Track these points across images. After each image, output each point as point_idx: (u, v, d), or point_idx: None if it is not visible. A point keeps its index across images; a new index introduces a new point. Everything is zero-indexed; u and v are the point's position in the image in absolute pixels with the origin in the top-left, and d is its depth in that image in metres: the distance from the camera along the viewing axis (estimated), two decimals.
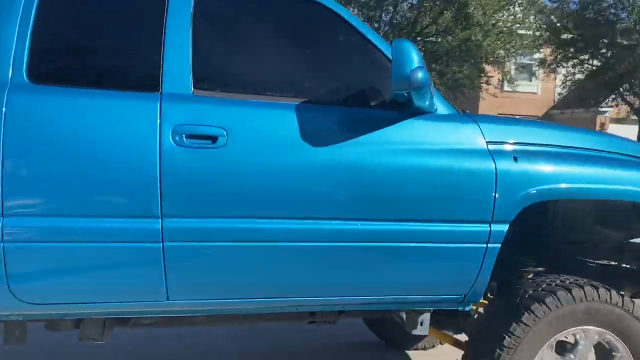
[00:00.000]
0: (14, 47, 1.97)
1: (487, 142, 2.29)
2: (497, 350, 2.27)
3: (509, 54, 14.89)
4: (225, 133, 2.06)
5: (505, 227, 2.28)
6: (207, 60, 2.16)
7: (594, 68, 16.82)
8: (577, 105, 19.81)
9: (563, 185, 2.31)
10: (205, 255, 2.06)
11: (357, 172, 2.14)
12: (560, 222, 2.77)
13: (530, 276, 2.75)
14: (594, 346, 2.44)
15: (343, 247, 2.15)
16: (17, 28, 1.98)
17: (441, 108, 2.30)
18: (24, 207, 1.91)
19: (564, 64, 17.00)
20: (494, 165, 2.25)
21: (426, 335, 3.32)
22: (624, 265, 2.96)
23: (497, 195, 2.24)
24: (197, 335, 3.94)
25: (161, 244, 2.02)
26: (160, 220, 2.01)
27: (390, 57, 2.19)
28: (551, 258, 2.86)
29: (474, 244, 2.26)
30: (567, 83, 17.13)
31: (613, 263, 2.97)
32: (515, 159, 2.28)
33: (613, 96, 17.83)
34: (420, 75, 1.95)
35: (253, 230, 2.09)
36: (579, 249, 2.96)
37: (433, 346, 4.08)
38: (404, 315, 2.73)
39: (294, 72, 2.28)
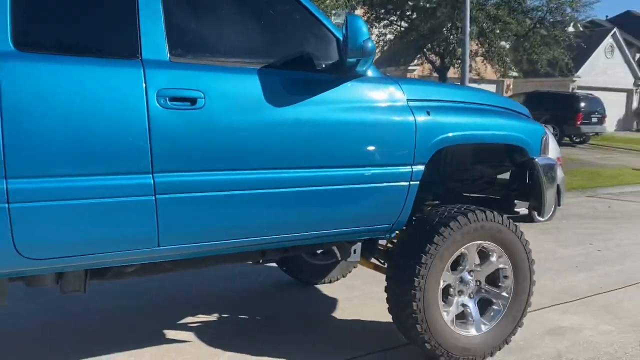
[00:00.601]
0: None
1: (407, 99, 2.85)
2: (417, 266, 2.88)
3: (326, 13, 15.65)
4: (203, 95, 2.35)
5: (422, 168, 2.88)
6: (179, 28, 2.39)
7: (402, 29, 18.54)
8: (389, 64, 21.70)
9: (461, 133, 2.97)
10: (191, 205, 2.36)
11: (310, 127, 2.57)
12: (452, 164, 3.47)
13: (428, 209, 3.41)
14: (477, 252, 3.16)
15: (302, 191, 2.58)
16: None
17: (370, 71, 2.79)
18: (28, 169, 2.03)
19: (376, 25, 18.33)
20: (413, 118, 2.82)
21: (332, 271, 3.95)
22: (492, 196, 3.78)
23: (416, 142, 2.83)
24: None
25: (153, 197, 2.28)
26: (151, 175, 2.26)
27: (332, 30, 2.63)
28: (443, 194, 3.56)
29: (400, 182, 2.83)
30: (379, 43, 18.50)
31: (484, 196, 3.78)
32: (429, 113, 2.88)
33: (418, 55, 19.91)
34: (370, 44, 2.42)
35: (230, 181, 2.42)
36: (463, 186, 3.71)
37: (337, 279, 4.69)
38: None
39: (257, 42, 2.61)
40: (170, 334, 3.46)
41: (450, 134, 2.93)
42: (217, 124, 2.38)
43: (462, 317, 3.14)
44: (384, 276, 3.14)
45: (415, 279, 2.86)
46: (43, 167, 2.08)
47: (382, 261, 3.40)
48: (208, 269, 3.67)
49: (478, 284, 3.16)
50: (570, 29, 25.25)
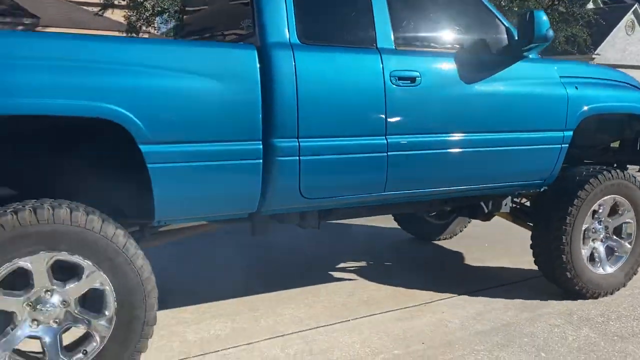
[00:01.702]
0: (286, 18, 2.73)
1: (559, 76, 3.49)
2: (566, 216, 3.53)
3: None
4: (419, 75, 3.02)
5: (571, 133, 3.53)
6: (399, 23, 3.06)
7: None
8: None
9: (601, 105, 3.59)
10: (409, 160, 3.05)
11: (492, 98, 3.24)
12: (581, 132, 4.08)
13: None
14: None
15: (486, 151, 3.26)
16: (284, 4, 2.74)
17: (531, 54, 3.43)
18: (310, 131, 2.74)
19: None
20: (565, 92, 3.47)
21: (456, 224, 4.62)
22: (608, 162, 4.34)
23: (568, 112, 3.47)
24: None
25: (386, 153, 2.98)
26: (385, 137, 2.96)
27: (503, 22, 3.29)
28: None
29: (555, 144, 3.49)
30: None
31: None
32: (577, 88, 3.51)
33: None
34: (551, 33, 3.07)
35: (436, 142, 3.11)
36: (583, 152, 4.30)
37: (454, 235, 5.37)
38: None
39: (454, 32, 3.27)
40: (338, 275, 4.16)
41: (593, 105, 3.57)
42: (429, 97, 3.06)
43: (592, 258, 3.78)
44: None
45: (564, 227, 3.51)
46: (317, 129, 2.78)
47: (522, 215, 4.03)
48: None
49: (607, 232, 3.80)
50: (590, 5, 25.08)
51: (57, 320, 2.29)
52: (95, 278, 2.30)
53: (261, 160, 2.65)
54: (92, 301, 2.35)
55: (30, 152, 2.54)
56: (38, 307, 2.24)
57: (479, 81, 3.20)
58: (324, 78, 2.77)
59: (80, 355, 2.31)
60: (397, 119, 2.97)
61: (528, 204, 4.15)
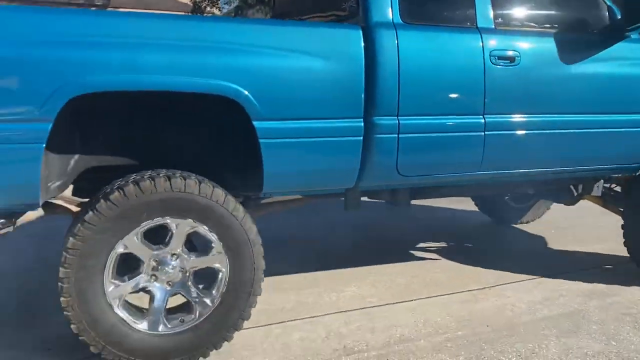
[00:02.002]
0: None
1: None
2: None
3: None
4: (519, 55, 3.00)
5: None
6: (500, 5, 3.05)
7: None
8: None
9: None
10: (507, 139, 3.05)
11: (594, 80, 3.17)
12: None
13: None
14: None
15: (586, 133, 3.21)
16: None
17: (632, 34, 3.32)
18: (409, 110, 2.79)
19: None
20: None
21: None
22: None
23: None
24: None
25: (483, 133, 2.99)
26: (483, 116, 2.97)
27: (606, 1, 3.20)
28: None
29: None
30: None
31: None
32: None
33: None
34: None
35: (532, 123, 3.09)
36: None
37: (532, 221, 5.30)
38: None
39: (553, 12, 3.25)
40: (403, 256, 4.21)
41: None
42: (528, 77, 3.03)
43: None
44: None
45: None
46: (417, 108, 2.82)
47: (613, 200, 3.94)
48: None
49: None
50: None
51: (170, 282, 2.49)
52: (217, 259, 2.50)
53: (362, 138, 2.73)
54: (205, 278, 2.55)
55: (150, 126, 2.72)
56: (161, 266, 2.45)
57: (579, 61, 3.15)
58: (425, 57, 2.81)
59: (177, 321, 2.49)
60: (495, 98, 2.97)
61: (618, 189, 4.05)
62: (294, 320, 3.04)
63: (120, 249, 2.35)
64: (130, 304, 2.50)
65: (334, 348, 2.74)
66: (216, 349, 2.54)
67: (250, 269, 2.55)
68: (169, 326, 2.47)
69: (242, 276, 2.53)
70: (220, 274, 2.54)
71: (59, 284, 2.28)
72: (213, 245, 2.51)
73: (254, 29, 2.59)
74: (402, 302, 3.31)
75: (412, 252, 4.29)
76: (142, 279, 2.44)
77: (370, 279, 3.67)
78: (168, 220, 2.41)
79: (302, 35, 2.64)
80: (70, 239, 2.27)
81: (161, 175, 2.37)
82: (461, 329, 2.96)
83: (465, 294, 3.45)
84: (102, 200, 2.28)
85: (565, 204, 4.21)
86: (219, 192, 2.46)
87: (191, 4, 14.03)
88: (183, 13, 15.30)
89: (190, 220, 2.43)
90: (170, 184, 2.35)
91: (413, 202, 3.70)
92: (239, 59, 2.44)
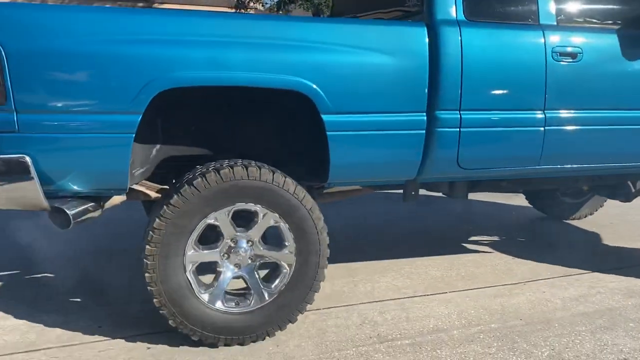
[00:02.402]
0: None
1: None
2: None
3: None
4: (581, 51, 3.04)
5: None
6: (561, 2, 3.09)
7: None
8: None
9: None
10: (567, 135, 3.09)
11: None
12: None
13: None
14: None
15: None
16: None
17: None
18: (471, 105, 2.88)
19: None
20: None
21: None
22: None
23: None
24: None
25: (543, 128, 3.04)
26: (544, 112, 3.03)
27: None
28: None
29: None
30: None
31: None
32: None
33: None
34: None
35: (592, 119, 3.12)
36: None
37: (586, 216, 5.28)
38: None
39: (614, 8, 3.25)
40: (438, 249, 4.30)
41: None
42: (589, 73, 3.07)
43: None
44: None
45: None
46: (478, 103, 2.91)
47: None
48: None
49: None
50: None
51: (238, 265, 2.70)
52: (287, 258, 2.71)
53: (424, 131, 2.84)
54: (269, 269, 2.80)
55: (226, 119, 2.91)
56: (236, 248, 2.67)
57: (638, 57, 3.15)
58: (488, 54, 2.89)
59: (233, 303, 2.69)
60: (556, 94, 3.02)
61: None
62: (330, 308, 3.15)
63: (211, 220, 2.56)
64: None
65: (368, 335, 2.85)
66: (263, 339, 2.73)
67: (314, 269, 2.74)
68: (226, 305, 2.67)
69: (305, 275, 2.72)
70: (285, 270, 2.73)
71: (145, 260, 2.49)
72: (287, 244, 2.70)
73: (324, 28, 2.73)
74: (436, 294, 3.40)
75: (448, 245, 4.36)
76: (216, 254, 2.65)
77: (406, 271, 3.77)
78: (258, 208, 2.61)
79: (370, 32, 2.75)
80: (166, 208, 2.49)
81: (260, 165, 2.61)
82: (494, 321, 3.02)
83: (500, 288, 3.51)
84: (204, 176, 2.52)
85: (621, 201, 4.19)
86: (309, 199, 2.68)
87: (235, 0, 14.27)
88: (227, 8, 15.59)
89: (277, 214, 2.63)
90: (273, 177, 2.60)
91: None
92: (310, 56, 2.58)
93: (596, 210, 5.29)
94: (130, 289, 3.35)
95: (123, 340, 2.74)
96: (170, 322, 2.59)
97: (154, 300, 2.55)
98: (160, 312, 2.58)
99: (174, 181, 2.76)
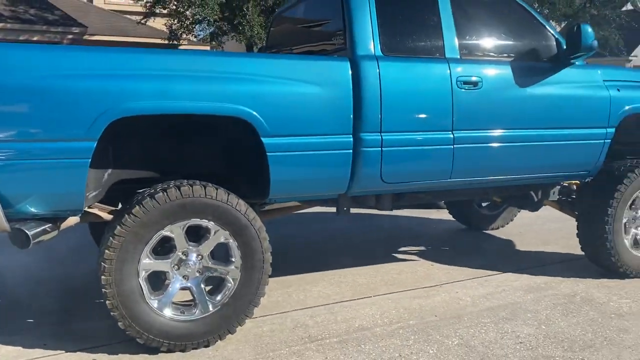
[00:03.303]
0: (371, 35, 3.33)
1: (603, 80, 3.98)
2: (608, 208, 4.00)
3: None
4: (481, 80, 3.57)
5: (613, 130, 4.01)
6: (464, 37, 3.62)
7: None
8: None
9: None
10: (472, 151, 3.59)
11: (543, 100, 3.75)
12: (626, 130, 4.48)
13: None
14: None
15: (539, 145, 3.76)
16: (370, 24, 3.34)
17: (577, 61, 3.93)
18: (390, 127, 3.32)
19: None
20: (608, 93, 3.96)
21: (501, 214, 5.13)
22: None
23: (610, 111, 3.96)
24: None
25: (452, 146, 3.53)
26: (452, 132, 3.52)
27: (554, 33, 3.80)
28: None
29: (599, 140, 3.97)
30: None
31: None
32: (619, 90, 4.00)
33: None
34: (595, 43, 3.58)
35: (493, 137, 3.64)
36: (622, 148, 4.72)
37: (502, 227, 5.88)
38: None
39: (510, 43, 3.81)
40: (364, 260, 4.72)
41: (633, 105, 4.04)
42: (489, 98, 3.60)
43: (636, 243, 4.24)
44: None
45: (607, 217, 4.00)
46: (396, 125, 3.35)
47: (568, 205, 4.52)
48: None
49: None
50: (628, 7, 24.64)
51: (186, 277, 2.99)
52: (233, 273, 3.01)
53: (351, 150, 3.24)
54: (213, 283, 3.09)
55: (168, 145, 3.20)
56: (186, 260, 2.96)
57: (532, 85, 3.73)
58: (402, 83, 3.35)
59: (178, 312, 2.95)
60: (462, 117, 3.52)
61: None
62: (265, 316, 3.44)
63: (167, 232, 2.85)
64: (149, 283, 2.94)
65: (300, 337, 3.17)
66: (205, 346, 2.99)
67: (256, 284, 3.05)
68: (173, 313, 2.94)
69: (248, 290, 3.03)
70: (229, 285, 3.03)
71: (102, 264, 2.74)
72: (233, 260, 3.02)
73: (262, 62, 3.11)
74: (362, 298, 3.77)
75: (374, 256, 4.75)
76: (168, 264, 2.93)
77: (335, 280, 4.14)
78: (211, 225, 2.91)
79: (301, 66, 3.16)
80: (127, 217, 2.75)
81: (204, 185, 2.91)
82: (413, 319, 3.42)
83: (418, 290, 3.93)
84: (161, 193, 2.81)
85: (529, 210, 4.76)
86: (257, 220, 3.01)
87: (167, 31, 14.48)
88: (160, 40, 15.78)
89: (227, 232, 2.95)
90: (205, 192, 2.88)
91: (380, 213, 4.18)
92: (250, 86, 2.94)
93: (511, 220, 5.89)
94: (73, 309, 3.54)
95: (67, 353, 2.94)
96: (119, 324, 2.82)
97: (107, 302, 2.78)
98: (112, 313, 2.81)
99: (120, 205, 2.99)
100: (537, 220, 6.09)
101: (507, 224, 5.90)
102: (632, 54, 26.98)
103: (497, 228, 5.87)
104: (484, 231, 5.82)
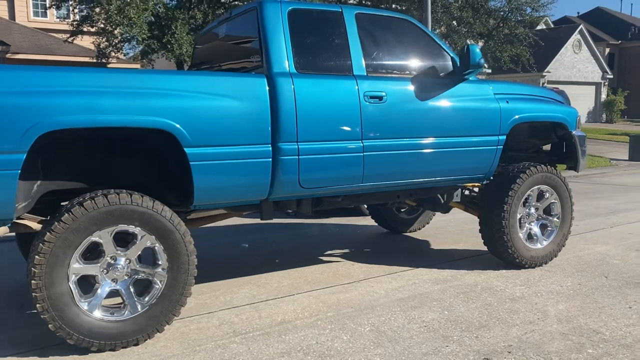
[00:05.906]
0: (286, 54, 3.69)
1: (494, 93, 4.53)
2: (504, 205, 4.52)
3: None
4: (385, 94, 4.00)
5: (504, 137, 4.55)
6: (369, 57, 4.05)
7: None
8: None
9: (527, 114, 4.64)
10: (380, 158, 4.00)
11: (441, 111, 4.23)
12: (514, 137, 5.09)
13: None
14: None
15: (439, 151, 4.23)
16: (284, 45, 3.70)
17: (471, 77, 4.46)
18: (305, 136, 3.66)
19: None
20: (498, 105, 4.50)
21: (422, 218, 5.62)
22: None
23: (501, 120, 4.50)
24: None
25: (362, 154, 3.93)
26: (361, 141, 3.91)
27: (449, 52, 4.31)
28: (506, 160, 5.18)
29: (492, 146, 4.50)
30: None
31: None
32: (507, 102, 4.56)
33: None
34: (482, 61, 4.09)
35: (398, 144, 4.07)
36: (517, 154, 5.34)
37: (419, 229, 6.36)
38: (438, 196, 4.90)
39: (410, 62, 4.27)
40: (289, 263, 5.05)
41: (521, 115, 4.61)
42: (393, 111, 4.03)
43: (530, 236, 4.79)
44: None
45: (503, 214, 4.51)
46: (311, 135, 3.70)
47: (471, 205, 5.03)
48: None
49: (538, 213, 4.83)
50: (542, 26, 26.60)
51: (115, 280, 3.19)
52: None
53: (270, 159, 3.56)
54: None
55: (96, 156, 3.40)
56: (115, 264, 3.15)
57: (431, 98, 4.19)
58: (315, 98, 3.72)
59: (108, 313, 3.15)
60: (370, 127, 3.92)
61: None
62: (192, 316, 3.67)
63: (95, 238, 3.04)
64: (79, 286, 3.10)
65: (225, 332, 3.43)
66: (134, 345, 3.19)
67: (183, 285, 3.29)
68: (102, 314, 3.13)
69: (175, 290, 3.27)
70: (157, 286, 3.25)
71: (32, 269, 2.90)
72: (160, 263, 3.24)
73: (184, 78, 3.39)
74: (285, 296, 4.08)
75: (300, 260, 5.08)
76: (97, 268, 3.12)
77: (261, 282, 4.43)
78: (137, 230, 3.13)
79: (221, 82, 3.46)
80: (57, 224, 2.93)
81: (130, 193, 3.16)
82: (330, 311, 3.76)
83: (338, 287, 4.29)
84: (89, 200, 3.01)
85: (442, 212, 5.25)
86: (182, 225, 3.25)
87: (95, 49, 14.38)
88: (87, 59, 15.58)
89: (154, 237, 3.17)
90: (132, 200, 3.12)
91: (308, 221, 4.45)
92: (173, 101, 3.21)
93: (427, 223, 6.38)
94: (2, 319, 3.64)
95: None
96: (50, 326, 2.98)
97: (37, 305, 2.94)
98: (42, 316, 2.96)
99: (49, 217, 3.15)
100: (452, 222, 6.62)
101: (424, 226, 6.37)
102: (546, 70, 29.08)
103: (415, 230, 6.34)
104: (404, 234, 6.26)
